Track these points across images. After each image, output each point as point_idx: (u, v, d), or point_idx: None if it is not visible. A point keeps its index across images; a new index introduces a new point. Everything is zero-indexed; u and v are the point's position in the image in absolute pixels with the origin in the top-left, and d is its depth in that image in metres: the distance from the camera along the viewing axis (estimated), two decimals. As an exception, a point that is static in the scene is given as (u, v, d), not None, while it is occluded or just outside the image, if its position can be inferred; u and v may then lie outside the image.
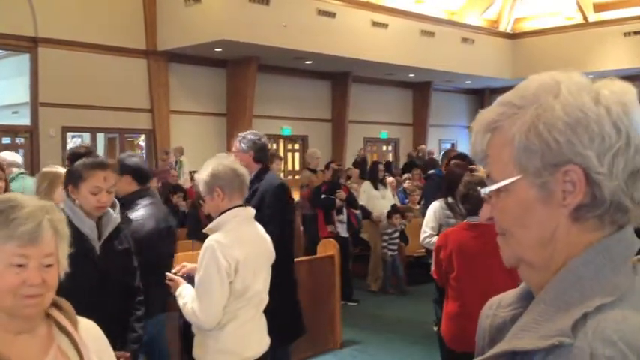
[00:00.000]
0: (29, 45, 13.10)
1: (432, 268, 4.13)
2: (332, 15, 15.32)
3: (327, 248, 6.56)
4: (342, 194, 8.25)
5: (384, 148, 21.27)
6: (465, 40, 18.93)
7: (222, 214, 3.01)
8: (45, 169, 3.79)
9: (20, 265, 1.50)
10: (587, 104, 0.93)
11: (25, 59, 13.43)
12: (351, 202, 8.52)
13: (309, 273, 6.19)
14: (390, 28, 16.70)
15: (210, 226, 3.02)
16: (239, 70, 15.48)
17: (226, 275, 2.88)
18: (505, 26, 20.82)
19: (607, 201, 0.93)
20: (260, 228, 3.22)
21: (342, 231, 8.27)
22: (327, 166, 9.31)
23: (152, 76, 14.78)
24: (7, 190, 3.74)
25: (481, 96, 23.33)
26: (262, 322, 3.17)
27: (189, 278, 3.08)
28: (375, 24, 16.43)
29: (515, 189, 0.97)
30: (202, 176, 3.04)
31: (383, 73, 18.46)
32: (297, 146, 18.39)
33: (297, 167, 18.30)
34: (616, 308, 0.89)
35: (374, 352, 6.41)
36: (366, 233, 9.42)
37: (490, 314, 1.10)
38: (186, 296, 2.97)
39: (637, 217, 0.96)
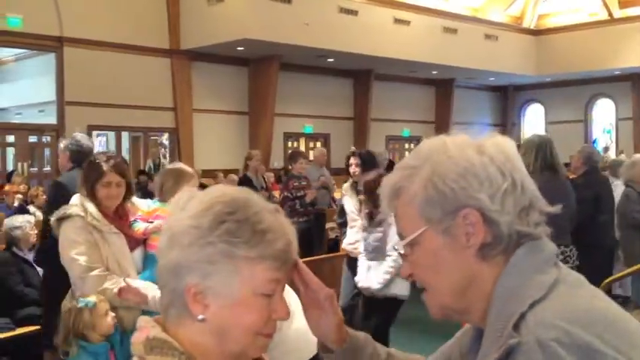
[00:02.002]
0: (55, 44, 13.27)
1: None
2: (354, 13, 15.31)
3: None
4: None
5: (407, 146, 21.20)
6: (488, 36, 18.80)
7: None
8: (169, 166, 3.77)
9: (268, 295, 1.10)
10: (472, 155, 1.06)
11: (50, 58, 13.62)
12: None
13: (331, 270, 6.21)
14: (412, 25, 16.64)
15: None
16: (261, 69, 15.54)
17: None
18: (529, 22, 20.63)
19: (506, 235, 1.04)
20: None
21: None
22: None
23: (175, 74, 14.90)
24: (127, 197, 3.39)
25: (505, 93, 23.16)
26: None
27: None
28: (397, 21, 16.39)
29: (423, 239, 1.08)
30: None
31: (405, 71, 18.41)
32: (319, 144, 18.40)
33: (319, 165, 18.31)
34: (548, 298, 0.98)
35: (397, 349, 6.40)
36: None
37: (456, 347, 1.23)
38: None
39: (543, 232, 1.07)
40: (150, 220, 3.35)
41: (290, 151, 9.38)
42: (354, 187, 5.76)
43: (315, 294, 1.27)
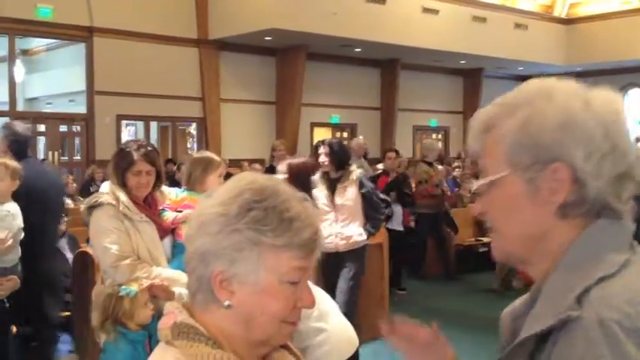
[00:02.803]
0: (85, 34, 13.41)
1: None
2: (382, 1, 15.21)
3: (376, 236, 6.55)
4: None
5: (434, 136, 21.06)
6: (517, 25, 18.55)
7: None
8: (196, 155, 3.80)
9: (293, 283, 1.10)
10: (577, 109, 0.99)
11: (80, 48, 13.77)
12: (401, 196, 8.00)
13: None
14: (441, 14, 16.49)
15: None
16: (288, 59, 15.54)
17: None
18: (560, 11, 20.31)
19: (591, 199, 0.98)
20: None
21: (396, 225, 7.91)
22: (384, 157, 8.93)
23: (203, 64, 14.96)
24: (157, 185, 3.37)
25: (534, 83, 22.87)
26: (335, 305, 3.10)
27: None
28: (426, 10, 16.24)
29: (504, 183, 1.03)
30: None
31: (433, 60, 18.24)
32: (345, 134, 18.38)
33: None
34: (616, 278, 0.93)
35: (422, 340, 6.40)
36: None
37: (509, 311, 1.17)
38: None
39: (627, 212, 1.01)
40: (178, 210, 3.37)
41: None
42: (326, 178, 5.53)
43: (417, 338, 1.25)
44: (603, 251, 0.97)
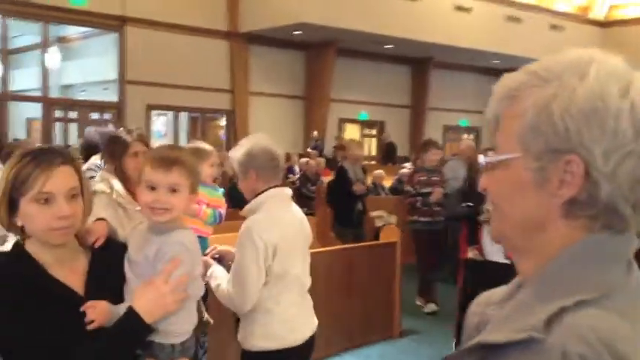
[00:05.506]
0: (117, 24, 13.59)
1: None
2: (414, -1, 15.12)
3: (389, 235, 6.50)
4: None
5: (465, 136, 20.87)
6: (553, 27, 18.26)
7: (257, 195, 2.87)
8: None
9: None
10: (611, 94, 0.86)
11: (114, 37, 13.96)
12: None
13: (369, 260, 6.18)
14: (473, 13, 16.32)
15: (247, 207, 2.88)
16: (318, 54, 15.54)
17: (263, 258, 2.77)
18: (597, 13, 19.93)
19: (602, 202, 0.87)
20: (297, 209, 3.07)
21: (497, 255, 5.00)
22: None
23: (233, 57, 15.05)
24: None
25: (569, 85, 22.52)
26: (308, 306, 3.10)
27: (219, 261, 3.03)
28: (458, 8, 16.09)
29: (512, 166, 0.92)
30: (237, 155, 2.89)
31: (465, 59, 18.07)
32: (374, 131, 18.34)
33: (373, 152, 18.24)
34: (596, 306, 0.84)
35: (432, 342, 6.35)
36: None
37: (478, 312, 1.06)
38: (218, 277, 2.86)
39: (637, 223, 0.90)
40: None
41: (423, 140, 8.17)
42: None
43: None
44: (592, 270, 0.88)
